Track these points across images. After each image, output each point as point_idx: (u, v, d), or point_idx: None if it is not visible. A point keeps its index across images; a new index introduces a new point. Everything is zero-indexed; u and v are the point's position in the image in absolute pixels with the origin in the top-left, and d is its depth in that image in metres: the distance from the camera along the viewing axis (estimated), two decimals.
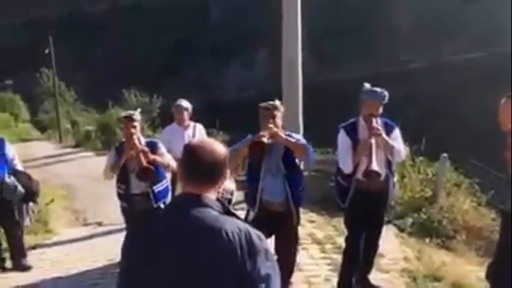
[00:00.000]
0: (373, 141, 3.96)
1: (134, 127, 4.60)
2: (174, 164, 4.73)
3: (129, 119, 4.66)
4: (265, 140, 3.79)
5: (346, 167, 4.11)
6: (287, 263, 4.05)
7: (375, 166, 3.88)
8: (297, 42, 8.10)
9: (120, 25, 44.23)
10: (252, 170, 3.98)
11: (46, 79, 33.01)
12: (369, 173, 3.91)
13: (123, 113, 4.96)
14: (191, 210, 1.79)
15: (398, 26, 43.54)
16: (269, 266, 1.76)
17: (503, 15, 42.03)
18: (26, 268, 5.47)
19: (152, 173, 4.55)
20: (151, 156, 4.57)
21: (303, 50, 8.21)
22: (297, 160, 4.02)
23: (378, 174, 3.91)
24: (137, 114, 4.75)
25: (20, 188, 5.24)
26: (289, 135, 4.00)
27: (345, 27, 42.08)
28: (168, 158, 4.77)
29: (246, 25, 42.23)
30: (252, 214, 3.98)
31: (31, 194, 5.43)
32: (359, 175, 4.10)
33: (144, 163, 4.50)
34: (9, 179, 5.22)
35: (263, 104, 4.01)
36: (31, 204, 5.59)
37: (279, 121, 3.97)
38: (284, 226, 3.98)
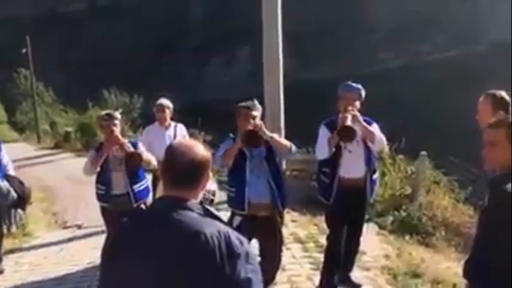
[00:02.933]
0: (348, 115, 3.98)
1: (115, 125, 4.56)
2: (155, 162, 4.71)
3: (109, 116, 4.63)
4: (257, 127, 3.72)
5: (322, 152, 4.11)
6: (272, 266, 4.05)
7: (348, 122, 3.90)
8: (277, 41, 8.11)
9: (100, 25, 43.74)
10: (235, 172, 3.92)
11: (24, 79, 32.44)
12: (342, 130, 3.90)
13: (103, 112, 4.91)
14: (171, 212, 1.77)
15: (376, 25, 43.94)
16: (250, 270, 1.73)
17: (480, 15, 42.88)
18: None
19: (139, 156, 4.53)
20: (145, 157, 4.59)
21: (283, 49, 8.23)
22: (277, 159, 4.02)
23: (352, 130, 3.89)
24: (117, 113, 4.72)
25: (13, 193, 5.16)
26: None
27: (324, 27, 42.31)
28: (149, 156, 4.74)
29: (226, 25, 42.16)
30: (237, 219, 3.93)
31: (22, 200, 5.35)
32: (341, 173, 4.13)
33: (129, 149, 4.50)
34: (3, 183, 5.13)
35: (243, 104, 3.96)
36: (19, 210, 5.50)
37: (258, 121, 3.95)
38: (270, 229, 3.97)
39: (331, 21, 42.29)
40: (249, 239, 3.82)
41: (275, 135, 4.00)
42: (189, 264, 1.70)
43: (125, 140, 4.64)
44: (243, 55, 43.58)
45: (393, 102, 31.79)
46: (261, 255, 3.99)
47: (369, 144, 4.13)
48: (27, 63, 28.22)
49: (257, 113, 3.94)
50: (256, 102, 4.01)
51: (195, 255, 1.70)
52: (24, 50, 27.38)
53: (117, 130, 4.57)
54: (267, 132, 3.90)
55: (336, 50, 41.62)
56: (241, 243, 1.75)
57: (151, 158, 4.72)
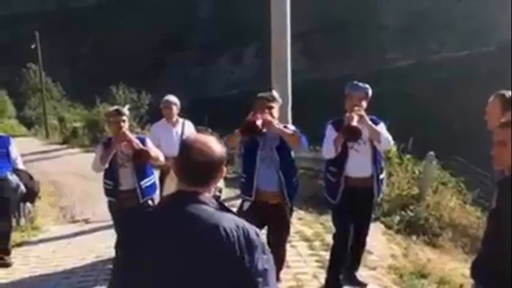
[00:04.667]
0: (354, 115, 3.96)
1: (123, 121, 4.57)
2: (163, 158, 4.74)
3: (118, 111, 4.62)
4: (258, 122, 3.71)
5: (328, 152, 4.11)
6: (279, 254, 4.08)
7: (354, 122, 3.88)
8: (286, 39, 8.11)
9: (108, 21, 43.83)
10: (247, 160, 4.01)
11: (33, 75, 32.62)
12: (348, 129, 3.90)
13: (111, 108, 4.87)
14: (187, 207, 1.78)
15: (385, 24, 43.78)
16: (266, 260, 1.78)
17: (489, 15, 42.56)
18: (7, 265, 5.41)
19: (147, 153, 4.55)
20: (143, 147, 4.59)
21: (292, 47, 8.22)
22: (292, 152, 4.03)
23: (358, 130, 3.88)
24: (125, 109, 4.72)
25: (22, 187, 5.20)
26: (285, 127, 4.04)
27: (333, 25, 42.21)
28: (157, 152, 4.75)
29: (234, 22, 42.14)
30: (246, 204, 3.99)
31: (31, 194, 5.39)
32: (348, 172, 4.13)
33: (138, 146, 4.51)
34: (12, 177, 5.17)
35: (262, 94, 3.99)
36: (28, 204, 5.54)
37: (275, 113, 3.96)
38: (278, 217, 4.01)
39: (339, 20, 42.17)
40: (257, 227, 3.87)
41: (287, 128, 3.99)
42: (208, 257, 1.71)
43: (133, 137, 4.66)
44: (250, 53, 43.59)
45: (401, 101, 31.68)
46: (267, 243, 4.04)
47: (376, 143, 4.13)
48: (36, 58, 28.35)
49: (275, 104, 3.96)
50: (275, 93, 4.03)
51: (215, 248, 1.71)
52: (33, 46, 27.50)
53: (125, 126, 4.59)
54: (277, 125, 3.89)
55: (344, 49, 41.52)
56: (257, 235, 1.78)
57: (159, 154, 4.74)
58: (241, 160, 4.30)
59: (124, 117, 4.59)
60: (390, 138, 4.25)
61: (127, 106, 4.97)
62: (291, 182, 3.99)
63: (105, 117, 5.03)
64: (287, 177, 3.95)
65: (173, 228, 1.77)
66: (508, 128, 2.44)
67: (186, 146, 1.86)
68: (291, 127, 4.18)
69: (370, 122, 4.05)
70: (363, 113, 4.04)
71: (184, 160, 1.84)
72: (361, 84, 4.17)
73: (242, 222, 1.79)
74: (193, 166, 1.82)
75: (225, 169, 1.91)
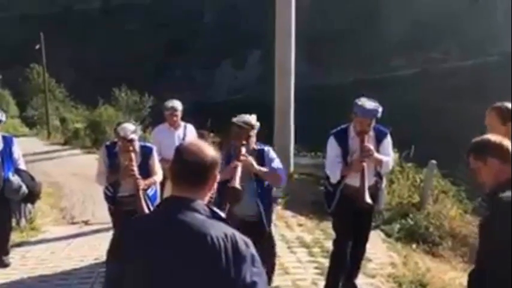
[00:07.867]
0: (365, 164, 3.96)
1: (133, 145, 4.52)
2: (161, 178, 4.82)
3: (128, 141, 4.46)
4: (238, 186, 3.58)
5: (334, 177, 4.14)
6: (268, 263, 4.06)
7: (367, 199, 3.91)
8: (290, 45, 8.13)
9: (112, 24, 43.97)
10: (224, 184, 3.80)
11: (36, 75, 32.71)
12: (360, 204, 3.97)
13: (121, 131, 4.48)
14: (178, 214, 1.77)
15: (389, 33, 43.82)
16: (255, 273, 1.74)
17: (493, 26, 42.60)
18: (5, 265, 5.40)
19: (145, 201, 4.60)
20: (147, 182, 4.60)
21: (295, 53, 8.24)
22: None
23: (369, 205, 3.97)
24: (137, 132, 4.59)
25: (24, 187, 5.19)
26: (263, 150, 3.95)
27: (337, 33, 42.27)
28: (158, 176, 4.79)
29: (238, 27, 42.27)
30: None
31: (33, 195, 5.37)
32: (346, 180, 4.13)
33: (145, 209, 4.45)
34: (14, 177, 5.16)
35: (238, 122, 3.80)
36: (29, 205, 5.53)
37: (253, 140, 3.86)
38: (258, 232, 3.88)
39: (344, 27, 42.24)
40: None
41: (263, 169, 3.87)
42: (194, 266, 1.70)
43: (137, 149, 4.58)
44: (253, 58, 43.66)
45: (404, 109, 31.63)
46: None
47: (377, 167, 4.20)
48: (41, 59, 28.43)
49: (253, 132, 3.81)
50: (252, 118, 3.81)
51: (200, 257, 1.70)
52: (37, 46, 27.58)
53: (134, 149, 4.52)
54: (256, 166, 3.82)
55: (348, 55, 41.55)
56: (247, 245, 1.75)
57: (156, 179, 4.77)
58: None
59: (134, 143, 4.52)
60: (391, 161, 4.32)
61: (139, 127, 4.80)
62: (268, 211, 4.00)
63: (114, 133, 4.87)
64: (265, 206, 3.93)
65: (162, 234, 1.76)
66: (469, 157, 2.62)
67: (180, 150, 1.88)
68: (271, 155, 3.99)
69: (376, 155, 4.05)
70: (372, 150, 4.00)
71: (177, 162, 1.85)
72: (371, 108, 3.94)
73: (232, 232, 1.76)
74: (186, 170, 1.82)
75: (218, 175, 1.90)
